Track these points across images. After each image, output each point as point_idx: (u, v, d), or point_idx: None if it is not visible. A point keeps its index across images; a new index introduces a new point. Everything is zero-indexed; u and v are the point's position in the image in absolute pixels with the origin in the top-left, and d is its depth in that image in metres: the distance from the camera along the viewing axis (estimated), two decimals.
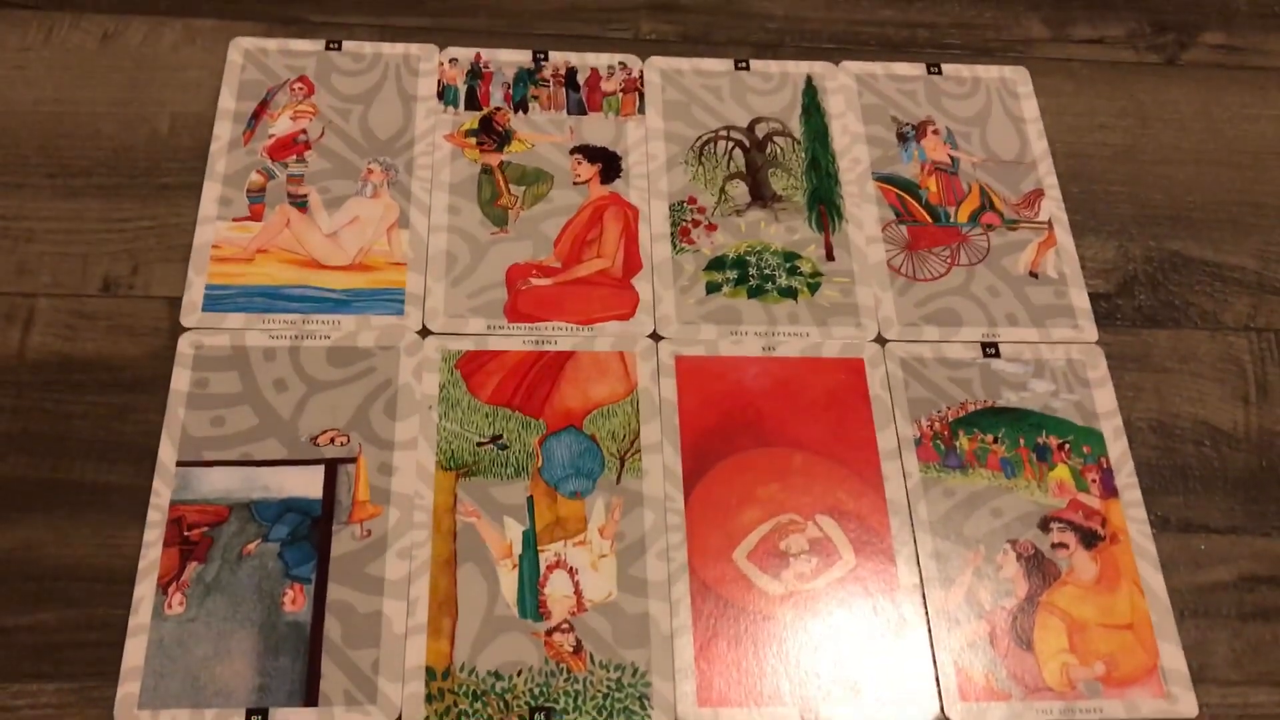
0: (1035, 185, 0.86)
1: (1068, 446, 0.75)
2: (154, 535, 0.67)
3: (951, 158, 0.86)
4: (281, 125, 0.83)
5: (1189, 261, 0.83)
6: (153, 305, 0.75)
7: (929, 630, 0.68)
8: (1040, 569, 0.70)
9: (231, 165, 0.81)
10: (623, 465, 0.72)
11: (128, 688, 0.63)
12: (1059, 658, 0.68)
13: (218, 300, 0.75)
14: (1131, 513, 0.73)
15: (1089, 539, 0.72)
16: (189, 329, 0.74)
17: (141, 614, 0.65)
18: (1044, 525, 0.72)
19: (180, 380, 0.72)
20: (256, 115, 0.83)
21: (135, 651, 0.64)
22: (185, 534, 0.67)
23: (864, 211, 0.83)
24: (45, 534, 0.67)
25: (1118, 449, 0.75)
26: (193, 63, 0.85)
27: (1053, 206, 0.85)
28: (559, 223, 0.81)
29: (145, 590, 0.66)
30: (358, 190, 0.81)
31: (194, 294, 0.75)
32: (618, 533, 0.70)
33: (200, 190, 0.80)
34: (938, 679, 0.67)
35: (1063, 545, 0.71)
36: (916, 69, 0.90)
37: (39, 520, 0.67)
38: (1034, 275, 0.81)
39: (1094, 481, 0.74)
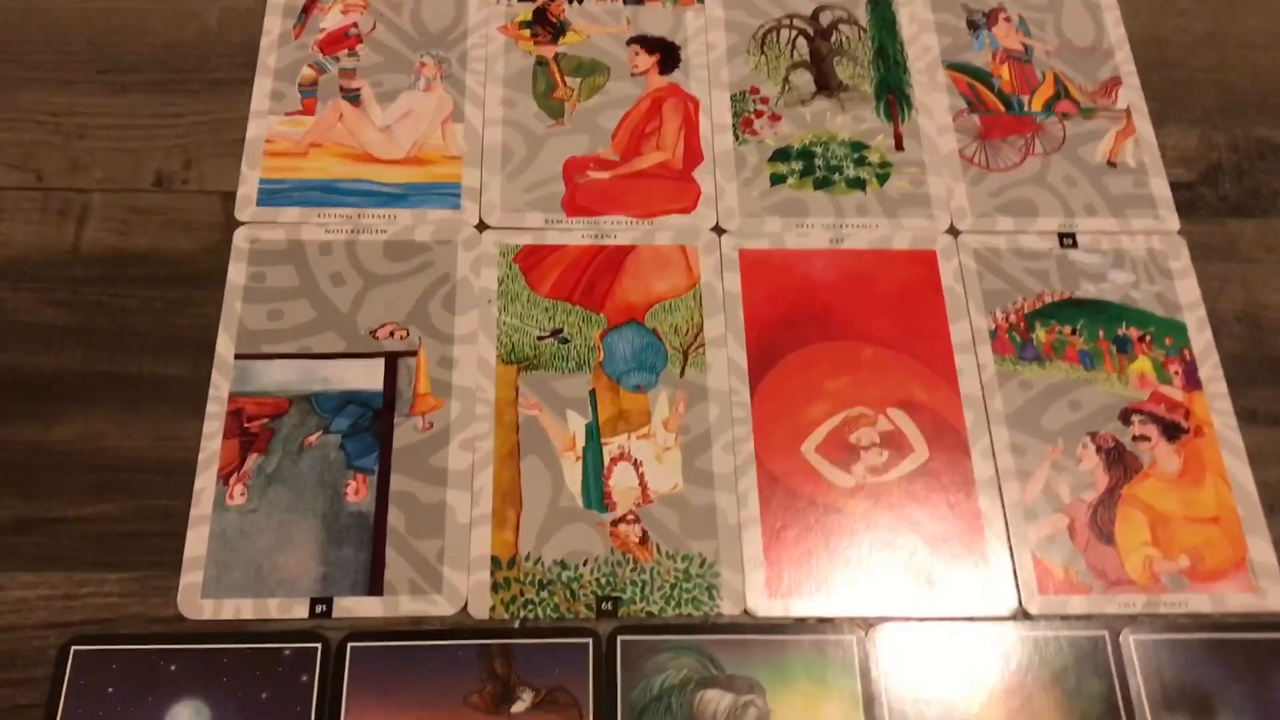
0: (1112, 73, 0.82)
1: (1149, 338, 0.72)
2: (214, 427, 0.66)
3: (1024, 45, 0.82)
4: (332, 19, 0.81)
5: (1278, 149, 0.79)
6: (207, 200, 0.74)
7: (1006, 523, 0.66)
8: (1121, 462, 0.68)
9: (282, 60, 0.79)
10: (686, 359, 0.70)
11: (191, 577, 0.62)
12: (1141, 551, 0.65)
13: (272, 194, 0.74)
14: (1216, 405, 0.70)
15: (1171, 431, 0.69)
16: (244, 223, 0.73)
17: (203, 505, 0.64)
18: (1124, 418, 0.69)
19: (237, 274, 0.71)
20: (306, 9, 0.81)
21: (197, 542, 0.63)
22: (245, 425, 0.66)
23: (934, 100, 0.80)
24: (105, 426, 0.66)
25: (1201, 341, 0.72)
26: None
27: (1131, 94, 0.81)
28: (616, 115, 0.78)
29: (206, 481, 0.65)
30: (411, 84, 0.78)
31: (248, 188, 0.74)
32: (682, 426, 0.68)
33: (251, 85, 0.78)
34: (1015, 572, 0.65)
35: (1144, 438, 0.69)
36: None
37: (98, 412, 0.67)
38: (1112, 164, 0.78)
39: (1176, 374, 0.71)
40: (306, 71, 0.78)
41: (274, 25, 0.80)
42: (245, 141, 0.76)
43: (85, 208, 0.73)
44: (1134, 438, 0.69)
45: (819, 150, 0.77)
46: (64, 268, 0.71)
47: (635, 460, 0.67)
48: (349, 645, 0.61)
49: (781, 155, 0.77)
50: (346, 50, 0.80)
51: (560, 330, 0.71)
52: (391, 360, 0.69)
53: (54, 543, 0.63)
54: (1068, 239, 0.75)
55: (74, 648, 0.60)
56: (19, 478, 0.65)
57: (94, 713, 0.59)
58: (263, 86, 0.78)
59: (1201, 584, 0.65)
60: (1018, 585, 0.64)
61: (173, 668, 0.60)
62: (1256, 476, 0.68)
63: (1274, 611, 0.64)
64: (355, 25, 0.81)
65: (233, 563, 0.63)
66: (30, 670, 0.60)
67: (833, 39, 0.82)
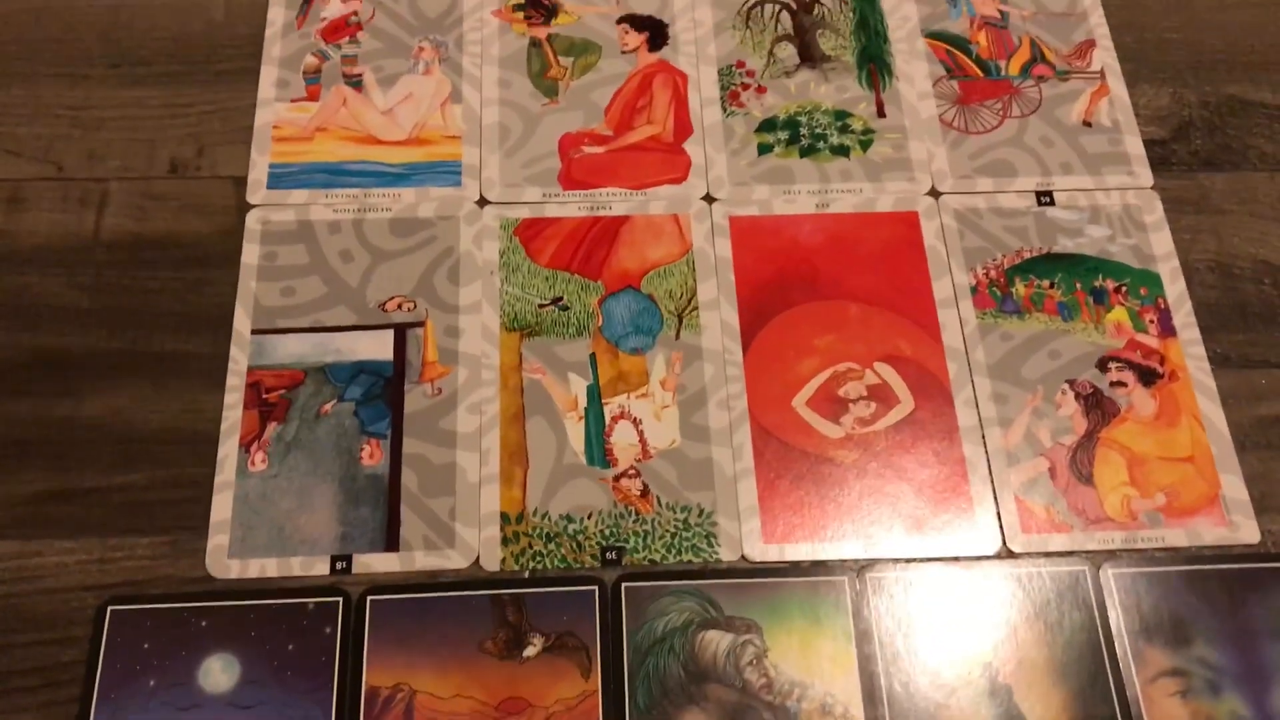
0: (1087, 36, 0.85)
1: (1125, 289, 0.75)
2: (234, 399, 0.70)
3: (1001, 12, 0.85)
4: (333, 8, 0.84)
5: (1247, 105, 0.82)
6: (219, 185, 0.77)
7: (989, 468, 0.69)
8: (1099, 407, 0.71)
9: (286, 49, 0.82)
10: (681, 322, 0.73)
11: (218, 539, 0.66)
12: (1120, 490, 0.69)
13: (281, 178, 0.77)
14: (1190, 350, 0.73)
15: (1147, 377, 0.72)
16: (255, 205, 0.76)
17: (226, 471, 0.68)
18: (1102, 365, 0.72)
19: (250, 254, 0.74)
20: (308, 0, 0.84)
21: (222, 506, 0.67)
22: (264, 397, 0.70)
23: (914, 68, 0.83)
24: (130, 401, 0.70)
25: (1175, 290, 0.75)
26: None
27: (1105, 56, 0.84)
28: (609, 92, 0.82)
29: (229, 450, 0.68)
30: (410, 68, 0.82)
31: (258, 172, 0.77)
32: (679, 385, 0.71)
33: (258, 74, 0.81)
34: (999, 513, 0.68)
35: (1121, 383, 0.72)
36: None
37: (124, 389, 0.70)
38: (1087, 124, 0.81)
39: (1152, 322, 0.74)
40: (310, 60, 0.82)
41: (277, 16, 0.84)
42: (254, 128, 0.79)
43: (104, 196, 0.77)
44: (1111, 384, 0.72)
45: (804, 119, 0.80)
46: (87, 253, 0.75)
47: (635, 418, 0.70)
48: (369, 599, 0.64)
49: (768, 125, 0.80)
50: (348, 38, 0.83)
51: (560, 298, 0.74)
52: (400, 331, 0.72)
53: (87, 511, 0.67)
54: (1045, 197, 0.78)
55: (110, 608, 0.64)
56: (52, 451, 0.68)
57: (131, 668, 0.62)
58: (269, 75, 0.81)
59: (1177, 520, 0.68)
60: (1001, 526, 0.68)
61: (204, 624, 0.63)
62: (1229, 417, 0.71)
63: (1246, 544, 0.67)
64: (355, 13, 0.84)
65: (256, 525, 0.66)
66: (71, 630, 0.64)
67: (815, 12, 0.85)
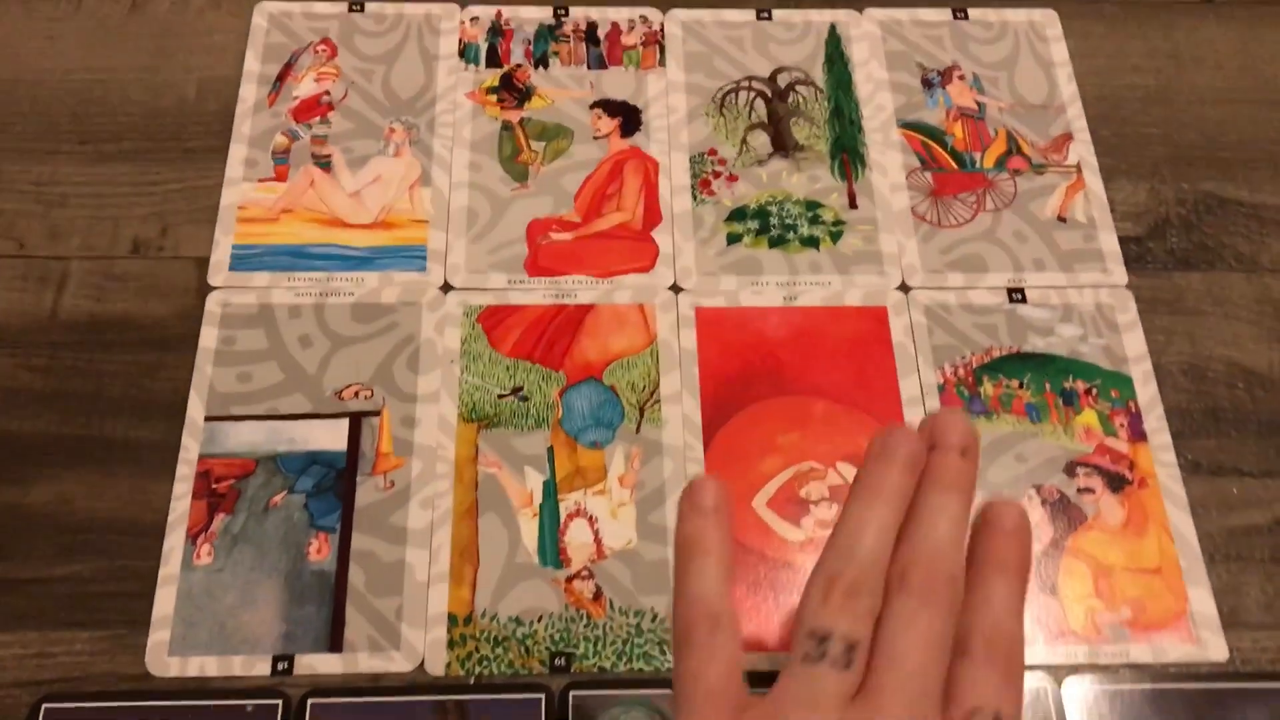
0: (1064, 129, 0.84)
1: (1095, 391, 0.74)
2: (183, 488, 0.69)
3: (978, 103, 0.85)
4: (305, 87, 0.84)
5: (1224, 203, 0.81)
6: (181, 265, 0.76)
7: None
8: (1065, 514, 0.70)
9: (256, 127, 0.82)
10: (642, 415, 0.72)
11: (158, 635, 0.65)
12: (1085, 602, 0.67)
13: (244, 259, 0.76)
14: (1161, 456, 0.72)
15: (1116, 483, 0.71)
16: (216, 288, 0.75)
17: (171, 564, 0.66)
18: (1070, 470, 0.71)
19: (208, 338, 0.74)
20: (281, 78, 0.84)
21: (165, 601, 0.65)
22: (213, 486, 0.69)
23: (888, 159, 0.82)
24: (78, 488, 0.69)
25: (1147, 393, 0.74)
26: (219, 27, 0.86)
27: (1082, 150, 0.83)
28: (579, 177, 0.81)
29: (175, 541, 0.67)
30: (380, 149, 0.81)
31: (221, 254, 0.77)
32: (637, 482, 0.70)
33: (226, 153, 0.81)
34: None
35: (1089, 490, 0.70)
36: (942, 14, 0.89)
37: (72, 475, 0.69)
38: (1062, 219, 0.80)
39: (1122, 426, 0.72)
40: (280, 139, 0.81)
41: (249, 93, 0.83)
42: (219, 208, 0.78)
43: (64, 275, 0.76)
44: (1079, 490, 0.70)
45: (774, 209, 0.80)
46: (43, 334, 0.74)
47: (590, 516, 0.69)
48: (309, 701, 0.63)
49: (738, 215, 0.80)
50: (319, 118, 0.82)
51: (520, 388, 0.73)
52: (355, 420, 0.71)
53: (27, 603, 0.65)
54: (1017, 294, 0.77)
55: (44, 705, 0.62)
56: None
57: None
58: (237, 154, 0.81)
59: (1143, 634, 0.66)
60: None
61: None
62: (1198, 527, 0.69)
63: (1213, 662, 0.65)
64: (328, 93, 0.84)
65: (199, 621, 0.65)
66: None
67: (790, 100, 0.85)
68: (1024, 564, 0.42)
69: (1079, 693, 0.64)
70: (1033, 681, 0.65)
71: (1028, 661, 0.64)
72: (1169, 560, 0.68)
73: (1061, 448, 0.72)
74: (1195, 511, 0.70)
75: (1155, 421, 0.73)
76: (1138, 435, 0.72)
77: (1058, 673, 0.65)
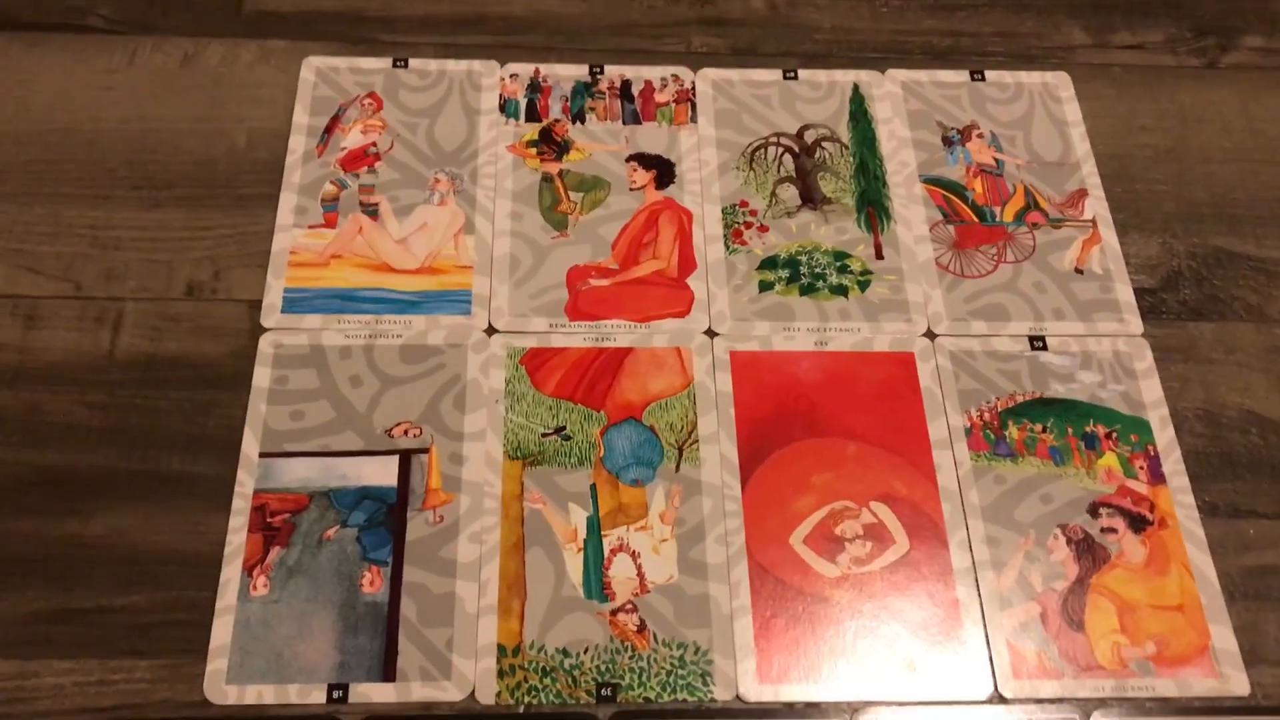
0: (1079, 185, 0.88)
1: (1115, 435, 0.76)
2: (239, 522, 0.71)
3: (996, 160, 0.89)
4: (352, 138, 0.87)
5: (1233, 257, 0.85)
6: (234, 308, 0.79)
7: (982, 611, 0.70)
8: (1090, 552, 0.72)
9: (306, 176, 0.85)
10: (681, 455, 0.75)
11: (216, 664, 0.66)
12: (1110, 637, 0.69)
13: (295, 302, 0.79)
14: (1180, 498, 0.74)
15: (1137, 523, 0.73)
16: (269, 329, 0.78)
17: (228, 595, 0.68)
18: (1093, 510, 0.74)
19: (261, 377, 0.76)
20: (329, 129, 0.87)
21: (222, 630, 0.67)
22: (268, 520, 0.71)
23: (911, 212, 0.86)
24: (136, 521, 0.71)
25: (1165, 437, 0.77)
26: (267, 81, 0.90)
27: (1096, 205, 0.87)
28: (616, 227, 0.84)
29: (231, 573, 0.69)
30: (426, 198, 0.84)
31: (273, 297, 0.79)
32: (678, 518, 0.72)
33: (277, 200, 0.84)
34: (991, 658, 0.69)
35: (1112, 529, 0.73)
36: (960, 76, 0.93)
37: (130, 508, 0.71)
38: (1079, 271, 0.84)
39: (1141, 469, 0.75)
40: (328, 188, 0.84)
41: (298, 144, 0.87)
42: (271, 253, 0.81)
43: (120, 315, 0.79)
44: (1102, 529, 0.73)
45: (804, 259, 0.83)
46: (100, 372, 0.76)
47: (633, 552, 0.71)
48: None
49: (769, 264, 0.83)
50: (366, 168, 0.86)
51: (563, 428, 0.76)
52: (405, 457, 0.74)
53: (88, 632, 0.67)
54: (1038, 342, 0.80)
55: None
56: (55, 571, 0.69)
57: None
58: (288, 201, 0.84)
59: (1167, 669, 0.69)
60: (993, 670, 0.68)
61: None
62: (1218, 566, 0.72)
63: (1236, 696, 0.68)
64: (374, 144, 0.87)
65: (255, 651, 0.67)
66: None
67: (816, 155, 0.88)
68: None
69: None
70: (1061, 714, 0.67)
71: (1058, 694, 0.66)
72: (1190, 598, 0.71)
73: (1085, 489, 0.74)
74: (1214, 551, 0.72)
75: (1173, 465, 0.76)
76: (1157, 478, 0.75)
77: (1085, 706, 0.67)
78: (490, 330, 0.79)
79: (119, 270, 0.81)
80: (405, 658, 0.67)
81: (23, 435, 0.74)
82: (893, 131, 0.90)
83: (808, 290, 0.82)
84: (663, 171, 0.87)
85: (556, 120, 0.89)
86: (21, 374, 0.76)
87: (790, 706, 0.67)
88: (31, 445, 0.73)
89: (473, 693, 0.66)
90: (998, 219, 0.86)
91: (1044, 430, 0.76)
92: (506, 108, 0.89)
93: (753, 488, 0.74)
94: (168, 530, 0.71)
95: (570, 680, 0.67)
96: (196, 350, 0.77)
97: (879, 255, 0.84)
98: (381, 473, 0.73)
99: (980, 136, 0.90)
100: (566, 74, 0.92)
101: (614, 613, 0.69)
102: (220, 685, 0.66)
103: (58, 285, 0.80)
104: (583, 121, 0.89)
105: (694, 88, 0.91)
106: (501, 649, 0.67)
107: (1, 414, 0.74)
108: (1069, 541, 0.72)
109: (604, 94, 0.91)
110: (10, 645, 0.67)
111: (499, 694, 0.66)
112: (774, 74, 0.93)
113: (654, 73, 0.92)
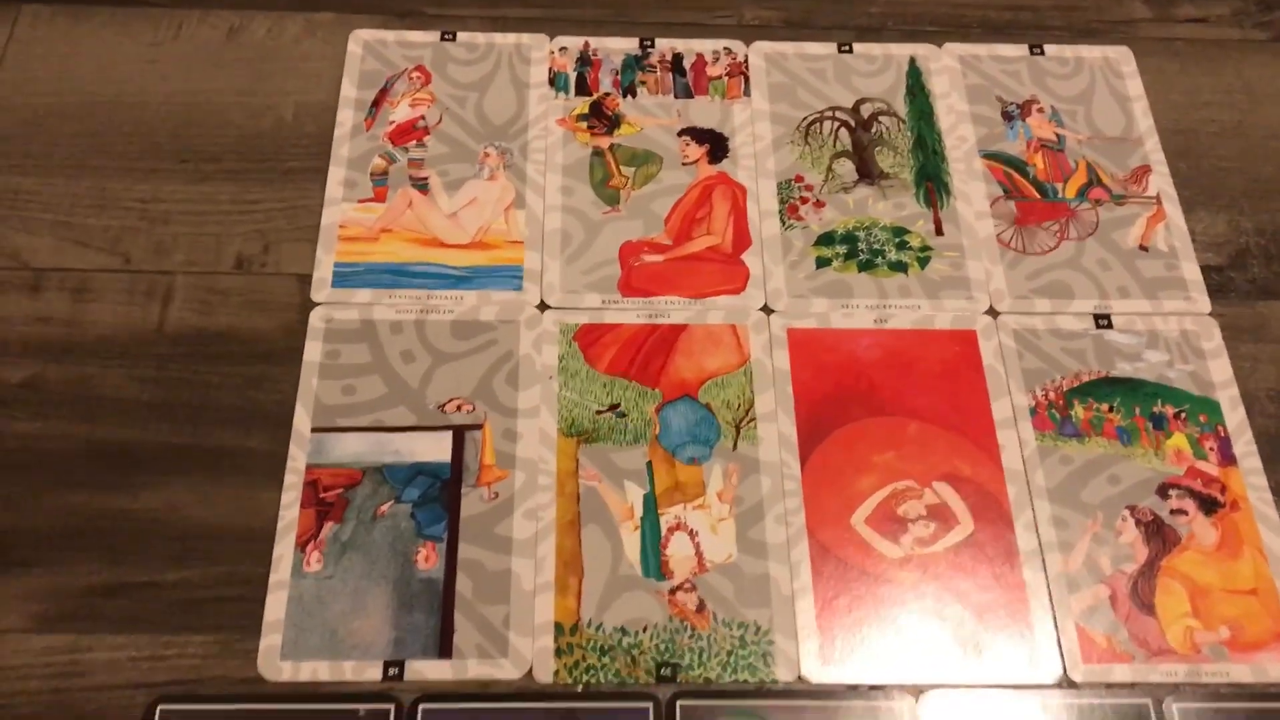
0: (1142, 161, 0.86)
1: (1184, 415, 0.75)
2: (291, 497, 0.70)
3: (1057, 135, 0.87)
4: (401, 112, 0.86)
5: None
6: (284, 281, 0.78)
7: (1049, 594, 0.68)
8: (1160, 535, 0.70)
9: (354, 150, 0.84)
10: (738, 433, 0.73)
11: (270, 640, 0.65)
12: (1182, 621, 0.68)
13: (346, 277, 0.78)
14: (1251, 480, 0.72)
15: (1208, 505, 0.71)
16: (319, 304, 0.77)
17: (281, 571, 0.67)
18: (1162, 492, 0.72)
19: (313, 352, 0.75)
20: (377, 103, 0.86)
21: (276, 606, 0.66)
22: (321, 495, 0.70)
23: (971, 188, 0.84)
24: (188, 496, 0.70)
25: (1235, 418, 0.75)
26: (314, 54, 0.89)
27: (1160, 182, 0.85)
28: (669, 202, 0.83)
29: (284, 549, 0.68)
30: (475, 173, 0.83)
31: (323, 271, 0.78)
32: (736, 497, 0.71)
33: (325, 174, 0.83)
34: (1059, 641, 0.67)
35: (1182, 511, 0.71)
36: (1019, 50, 0.91)
37: (182, 483, 0.70)
38: (1144, 249, 0.81)
39: (1212, 449, 0.73)
40: (377, 161, 0.83)
41: (346, 118, 0.85)
42: (320, 227, 0.80)
43: (170, 289, 0.78)
44: (1171, 511, 0.71)
45: (862, 235, 0.81)
46: (150, 346, 0.75)
47: (691, 530, 0.70)
48: (420, 706, 0.63)
49: (826, 239, 0.81)
50: (415, 141, 0.84)
51: (618, 405, 0.74)
52: (459, 433, 0.72)
53: (140, 606, 0.66)
54: (1103, 320, 0.78)
55: (160, 706, 0.63)
56: (107, 545, 0.68)
57: None
58: (336, 175, 0.82)
59: (1242, 654, 0.67)
60: (1062, 654, 0.67)
61: None
62: None
63: None
64: (423, 118, 0.86)
65: (310, 627, 0.66)
66: None
67: (873, 129, 0.87)
68: None
69: (1181, 711, 0.65)
70: (1133, 699, 0.65)
71: (1129, 679, 0.64)
72: (1265, 582, 0.69)
73: (1153, 470, 0.73)
74: None
75: (1244, 446, 0.74)
76: (1228, 459, 0.73)
77: (1157, 691, 0.65)
78: (543, 306, 0.78)
79: (168, 244, 0.80)
80: (461, 635, 0.66)
81: (72, 409, 0.73)
82: (951, 106, 0.88)
83: (866, 266, 0.80)
84: (716, 146, 0.85)
85: (607, 94, 0.88)
86: (71, 347, 0.75)
87: (853, 689, 0.65)
88: (82, 419, 0.72)
89: (530, 671, 0.65)
90: (1059, 195, 0.84)
91: (1110, 410, 0.75)
92: (556, 81, 0.88)
93: (812, 467, 0.72)
94: (220, 505, 0.70)
95: (629, 660, 0.65)
96: (247, 324, 0.76)
97: (939, 231, 0.82)
98: (435, 448, 0.72)
99: (1040, 111, 0.88)
100: (616, 47, 0.90)
101: (672, 591, 0.68)
102: (275, 661, 0.65)
103: (106, 258, 0.79)
104: (633, 95, 0.88)
105: (747, 61, 0.90)
106: (559, 627, 0.66)
107: (51, 387, 0.73)
108: (1138, 523, 0.71)
109: (655, 68, 0.89)
110: (63, 619, 0.66)
111: (556, 672, 0.65)
112: (828, 48, 0.91)
113: (705, 46, 0.90)
